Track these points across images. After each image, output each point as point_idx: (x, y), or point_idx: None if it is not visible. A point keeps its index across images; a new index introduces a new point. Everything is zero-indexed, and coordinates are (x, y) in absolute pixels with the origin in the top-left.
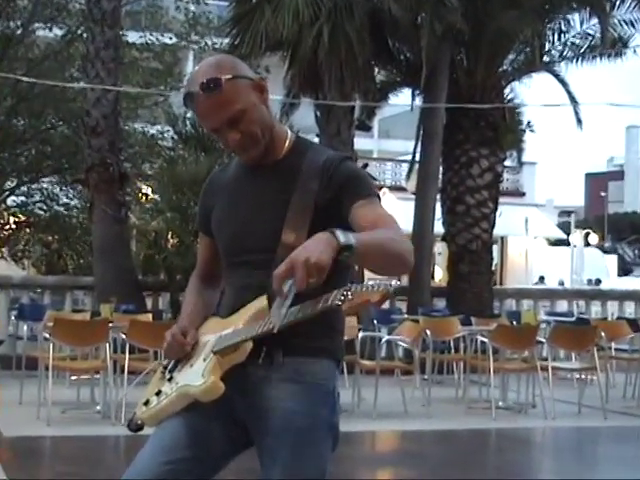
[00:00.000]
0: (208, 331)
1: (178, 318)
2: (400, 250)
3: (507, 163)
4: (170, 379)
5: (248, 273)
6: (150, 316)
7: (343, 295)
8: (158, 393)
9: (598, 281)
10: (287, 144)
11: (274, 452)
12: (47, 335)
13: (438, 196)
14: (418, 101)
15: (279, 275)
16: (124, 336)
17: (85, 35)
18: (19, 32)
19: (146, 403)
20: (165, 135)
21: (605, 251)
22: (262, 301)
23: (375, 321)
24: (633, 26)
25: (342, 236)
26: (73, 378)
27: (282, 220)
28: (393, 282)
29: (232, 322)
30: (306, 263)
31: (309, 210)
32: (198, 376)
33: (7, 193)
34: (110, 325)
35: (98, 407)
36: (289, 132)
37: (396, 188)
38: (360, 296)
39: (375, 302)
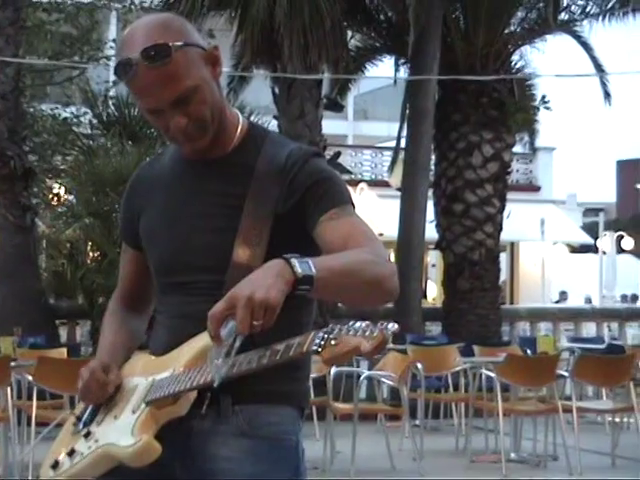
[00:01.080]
0: (136, 372)
1: (96, 352)
2: (378, 275)
3: (517, 149)
4: (87, 435)
5: (187, 299)
6: (64, 351)
7: (322, 339)
8: (71, 453)
9: (635, 297)
10: (238, 133)
11: None
12: None
13: (430, 192)
14: (403, 72)
15: (215, 316)
16: (30, 378)
17: None
18: None
19: (54, 466)
20: (82, 119)
21: None
22: (208, 337)
23: None
24: None
25: (299, 265)
26: None
27: (233, 232)
28: (390, 325)
29: (169, 363)
30: (250, 301)
31: (267, 220)
32: (126, 433)
33: None
34: (12, 364)
35: None
36: (241, 118)
37: (376, 183)
38: (346, 342)
39: (367, 352)
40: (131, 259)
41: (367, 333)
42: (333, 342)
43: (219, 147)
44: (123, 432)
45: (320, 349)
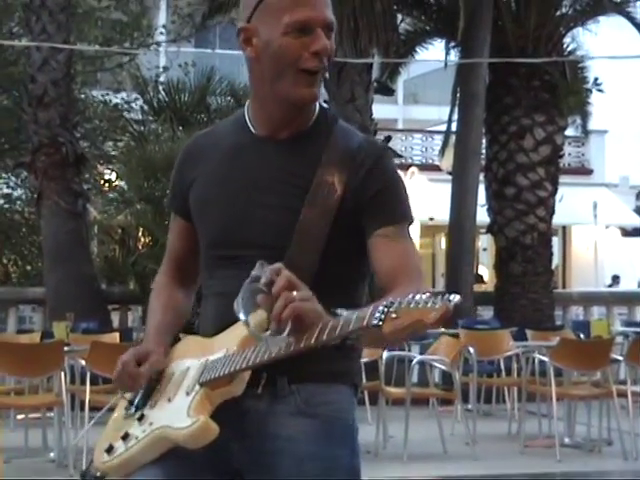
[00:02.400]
0: (187, 354)
1: (145, 332)
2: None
3: (569, 132)
4: (140, 418)
5: (239, 274)
6: (117, 336)
7: (383, 312)
8: (125, 437)
9: None
10: (314, 116)
11: None
12: None
13: (481, 176)
14: (454, 56)
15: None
16: (84, 362)
17: None
18: None
19: (109, 450)
20: (132, 105)
21: None
22: (262, 314)
23: None
24: None
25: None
26: (19, 418)
27: (295, 213)
28: (452, 296)
29: (222, 343)
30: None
31: (330, 210)
32: (181, 415)
33: None
34: (66, 349)
35: (52, 454)
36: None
37: (427, 167)
38: (409, 314)
39: (432, 323)
40: (180, 231)
41: (429, 305)
42: (394, 315)
43: (293, 126)
44: (178, 414)
45: (381, 322)
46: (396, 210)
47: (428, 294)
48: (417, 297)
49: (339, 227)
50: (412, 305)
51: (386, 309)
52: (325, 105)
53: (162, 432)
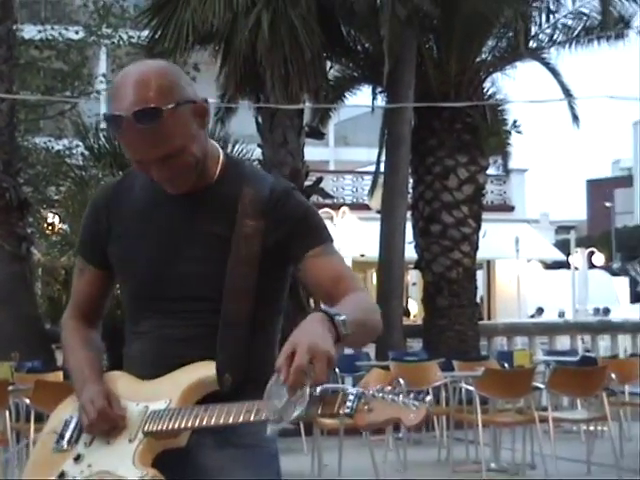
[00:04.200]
0: (123, 395)
1: (77, 378)
2: (378, 323)
3: (491, 172)
4: (77, 458)
5: (171, 323)
6: (61, 374)
7: (354, 402)
8: (61, 475)
9: (606, 310)
10: (219, 167)
11: None
12: None
13: (408, 214)
14: (380, 101)
15: (301, 367)
16: (28, 401)
17: None
18: None
19: None
20: (74, 151)
21: (614, 273)
22: (208, 370)
23: (337, 369)
24: (635, 2)
25: (342, 326)
26: None
27: (223, 263)
28: (428, 398)
29: (161, 391)
30: (328, 355)
31: (256, 253)
32: (126, 463)
33: None
34: (10, 388)
35: None
36: (220, 151)
37: (357, 206)
38: (384, 410)
39: (410, 426)
40: (91, 278)
41: (409, 404)
42: (366, 407)
43: (202, 181)
44: (122, 461)
45: (352, 411)
46: (319, 232)
47: (402, 392)
48: (389, 391)
49: (266, 272)
50: (388, 400)
51: (357, 399)
52: (232, 155)
53: (104, 478)
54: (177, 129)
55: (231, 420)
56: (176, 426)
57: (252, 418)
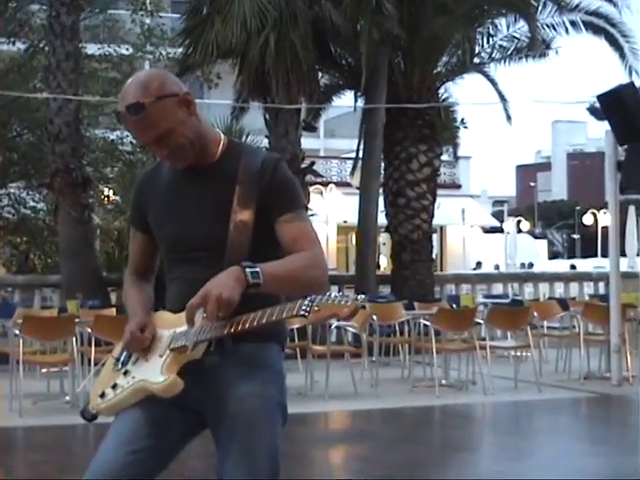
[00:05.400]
0: (161, 325)
1: (129, 316)
2: (310, 279)
3: (444, 158)
4: (125, 372)
5: (193, 268)
6: (114, 310)
7: (308, 306)
8: (114, 386)
9: (530, 265)
10: (221, 148)
11: (232, 432)
12: (17, 331)
13: (381, 190)
14: (360, 102)
15: (192, 306)
16: (90, 330)
17: (47, 48)
18: None
19: (102, 395)
20: (124, 140)
21: (536, 237)
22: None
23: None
24: (554, 29)
25: (250, 275)
26: (43, 371)
27: (225, 221)
28: (360, 296)
29: (184, 319)
30: (218, 299)
31: (251, 213)
32: (156, 373)
33: None
34: (76, 320)
35: (67, 397)
36: (222, 136)
37: (342, 184)
38: (327, 309)
39: (344, 316)
40: (140, 242)
41: (342, 302)
42: (316, 308)
43: (205, 159)
44: (153, 371)
45: (307, 313)
46: (292, 200)
47: (342, 294)
48: (333, 295)
49: (261, 223)
50: (330, 302)
51: (311, 303)
52: (234, 139)
53: (142, 384)
54: (162, 117)
55: (225, 332)
56: (188, 342)
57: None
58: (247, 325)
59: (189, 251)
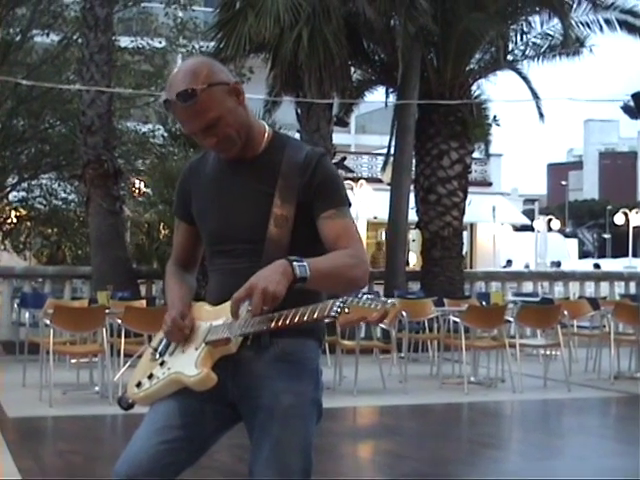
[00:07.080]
0: (199, 317)
1: (169, 306)
2: (353, 277)
3: (475, 155)
4: (162, 363)
5: (234, 260)
6: (144, 302)
7: (339, 308)
8: (150, 376)
9: (560, 263)
10: (265, 139)
11: (265, 427)
12: (48, 322)
13: (412, 186)
14: (392, 98)
15: (237, 299)
16: (120, 321)
17: (80, 40)
18: (18, 38)
19: (138, 385)
20: (156, 133)
21: (566, 235)
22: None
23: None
24: (589, 27)
25: (298, 269)
26: (73, 361)
27: (266, 214)
28: (390, 301)
29: (222, 312)
30: (264, 292)
31: (292, 206)
32: (191, 366)
33: (9, 189)
34: (107, 311)
35: (97, 388)
36: (267, 128)
37: (372, 180)
38: (357, 312)
39: (373, 320)
40: (184, 232)
41: (372, 306)
42: (347, 310)
43: (250, 150)
44: (189, 364)
45: (337, 315)
46: (334, 197)
47: (373, 297)
48: (364, 297)
49: (301, 217)
50: (360, 304)
51: (342, 305)
52: (280, 131)
53: (176, 376)
54: (212, 104)
55: (265, 328)
56: (225, 335)
57: (273, 326)
58: (288, 322)
59: (230, 243)
